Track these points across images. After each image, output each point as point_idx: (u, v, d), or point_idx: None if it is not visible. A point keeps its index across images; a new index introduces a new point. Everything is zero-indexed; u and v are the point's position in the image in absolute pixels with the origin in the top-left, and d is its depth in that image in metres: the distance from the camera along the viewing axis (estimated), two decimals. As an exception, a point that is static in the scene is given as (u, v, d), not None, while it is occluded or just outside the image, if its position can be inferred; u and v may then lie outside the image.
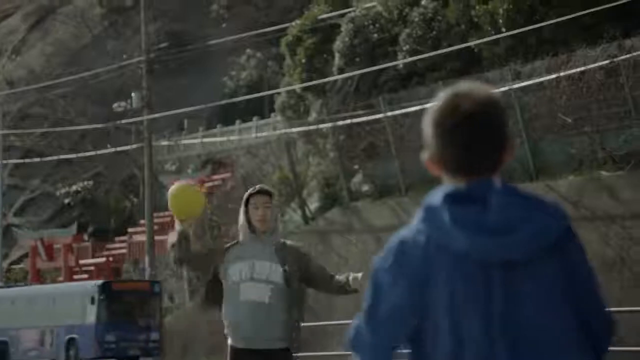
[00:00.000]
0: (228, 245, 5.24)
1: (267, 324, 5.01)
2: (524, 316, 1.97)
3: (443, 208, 2.02)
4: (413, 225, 2.05)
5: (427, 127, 2.09)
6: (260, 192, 5.19)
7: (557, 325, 2.00)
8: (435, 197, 2.07)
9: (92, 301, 22.06)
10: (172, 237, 5.11)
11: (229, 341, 5.11)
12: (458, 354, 1.98)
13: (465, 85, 2.12)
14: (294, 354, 5.05)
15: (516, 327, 1.97)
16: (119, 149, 28.28)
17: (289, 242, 5.38)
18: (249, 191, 5.22)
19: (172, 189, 5.05)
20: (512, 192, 2.06)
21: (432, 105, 2.12)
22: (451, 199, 2.02)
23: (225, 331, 5.12)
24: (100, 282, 23.19)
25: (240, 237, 5.18)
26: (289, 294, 5.06)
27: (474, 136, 2.02)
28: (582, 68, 15.20)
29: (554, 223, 2.05)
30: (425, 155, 2.11)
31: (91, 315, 22.01)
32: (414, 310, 2.01)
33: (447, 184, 2.08)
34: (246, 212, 5.15)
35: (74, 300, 22.45)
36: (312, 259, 5.29)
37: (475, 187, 2.04)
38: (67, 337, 22.31)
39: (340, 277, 5.18)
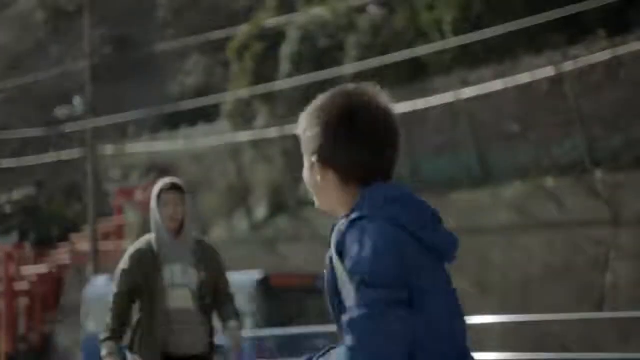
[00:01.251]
0: (138, 251, 4.79)
1: (191, 330, 4.77)
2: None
3: (391, 205, 1.90)
4: (366, 226, 1.85)
5: (318, 128, 1.89)
6: (170, 187, 4.80)
7: None
8: (374, 199, 1.90)
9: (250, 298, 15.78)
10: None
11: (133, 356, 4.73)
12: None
13: (353, 87, 1.97)
14: None
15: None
16: (61, 156, 27.80)
17: (204, 241, 5.02)
18: (159, 186, 4.80)
19: None
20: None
21: (326, 103, 1.91)
22: (391, 199, 1.90)
23: (132, 342, 4.74)
24: (257, 275, 16.18)
25: (155, 238, 4.79)
26: (205, 298, 4.80)
27: (389, 140, 1.91)
28: (528, 76, 15.32)
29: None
30: (313, 158, 1.91)
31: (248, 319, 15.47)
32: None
33: (378, 186, 1.91)
34: (159, 210, 4.77)
35: None
36: (223, 274, 4.96)
37: (396, 188, 1.94)
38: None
39: (230, 322, 4.88)
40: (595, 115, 14.81)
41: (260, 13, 23.31)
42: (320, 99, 1.93)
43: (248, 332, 12.25)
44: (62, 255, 29.81)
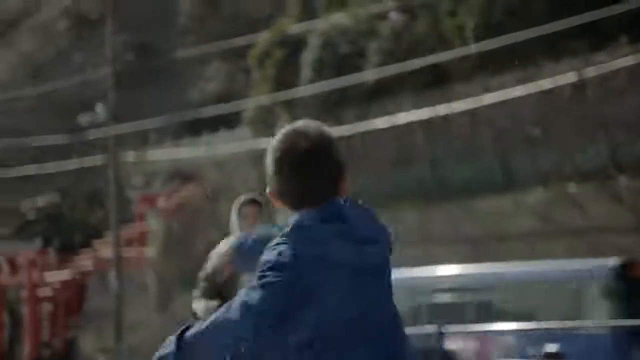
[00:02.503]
0: (223, 252, 5.06)
1: None
2: (377, 313, 2.25)
3: (315, 226, 2.21)
4: (288, 243, 2.20)
5: (268, 162, 2.29)
6: (250, 202, 5.17)
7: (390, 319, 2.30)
8: (304, 219, 2.23)
9: (604, 293, 11.84)
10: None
11: None
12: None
13: (301, 123, 2.31)
14: None
15: (372, 323, 2.24)
16: (84, 162, 27.99)
17: None
18: (240, 200, 5.18)
19: None
20: (356, 207, 2.30)
21: (272, 143, 2.30)
22: (319, 218, 2.22)
23: None
24: (616, 262, 11.93)
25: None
26: None
27: (312, 173, 2.23)
28: (550, 82, 15.26)
29: (390, 232, 2.36)
30: (268, 189, 2.30)
31: (600, 316, 11.74)
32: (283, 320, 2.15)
33: (305, 211, 2.24)
34: (238, 223, 5.12)
35: (564, 290, 11.92)
36: None
37: (330, 208, 2.24)
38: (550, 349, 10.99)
39: None
40: (618, 120, 14.73)
41: (281, 20, 23.37)
42: (275, 139, 2.32)
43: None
44: (85, 261, 29.98)
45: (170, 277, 23.43)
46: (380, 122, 17.76)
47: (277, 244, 2.20)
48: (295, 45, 20.82)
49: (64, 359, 28.08)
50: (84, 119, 26.53)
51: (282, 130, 2.30)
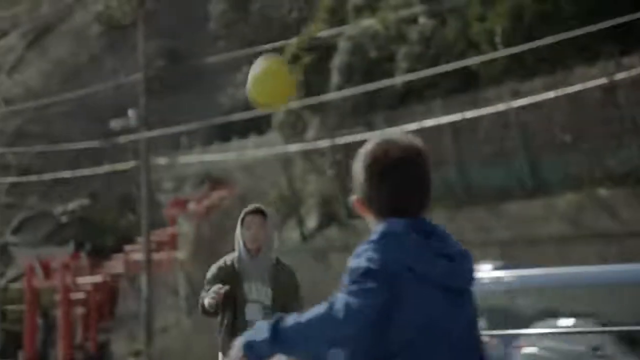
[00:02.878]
0: (224, 264, 5.25)
1: None
2: (463, 334, 2.24)
3: (405, 236, 2.19)
4: (377, 249, 2.20)
5: (358, 170, 2.28)
6: (253, 211, 5.20)
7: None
8: (395, 227, 2.22)
9: None
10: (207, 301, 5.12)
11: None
12: None
13: (392, 134, 2.31)
14: None
15: (458, 342, 2.23)
16: (116, 167, 28.24)
17: (286, 263, 5.37)
18: (244, 210, 5.26)
19: (262, 68, 3.84)
20: (442, 230, 2.29)
21: (363, 151, 2.31)
22: (410, 229, 2.21)
23: (221, 350, 5.13)
24: None
25: (237, 256, 5.22)
26: (275, 315, 5.07)
27: (403, 181, 2.22)
28: (580, 86, 15.20)
29: (472, 262, 2.35)
30: (354, 197, 2.31)
31: None
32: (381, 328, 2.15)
33: (395, 219, 2.23)
34: (241, 232, 5.20)
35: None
36: (297, 298, 5.26)
37: (421, 220, 2.24)
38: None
39: None
40: (650, 124, 14.63)
41: (310, 25, 23.47)
42: (366, 147, 2.32)
43: None
44: (116, 265, 30.24)
45: (200, 280, 23.55)
46: (410, 127, 17.77)
47: (365, 250, 2.19)
48: (324, 50, 20.90)
49: (96, 362, 28.32)
50: (115, 124, 26.78)
51: (374, 139, 2.30)
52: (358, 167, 2.27)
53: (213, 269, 5.29)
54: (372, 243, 2.21)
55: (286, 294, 5.17)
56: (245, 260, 5.15)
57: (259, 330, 2.22)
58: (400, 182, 2.22)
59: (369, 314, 2.12)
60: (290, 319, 2.20)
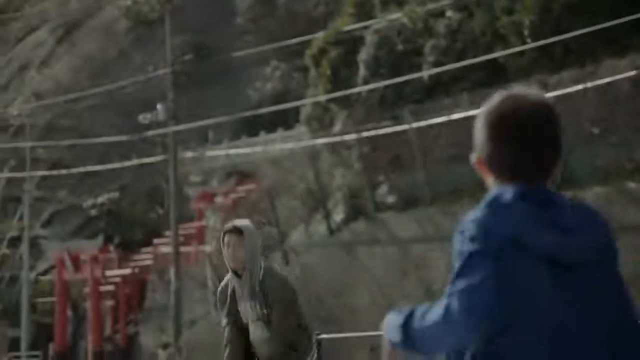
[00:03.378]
0: (224, 287, 5.21)
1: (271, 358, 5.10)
2: (584, 319, 2.00)
3: (517, 204, 1.99)
4: (483, 217, 1.98)
5: (481, 127, 2.08)
6: (230, 230, 5.05)
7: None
8: (505, 194, 2.01)
9: None
10: None
11: None
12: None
13: (519, 89, 2.09)
14: None
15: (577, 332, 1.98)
16: (144, 160, 28.44)
17: (274, 278, 5.17)
18: (223, 229, 5.15)
19: None
20: (567, 199, 2.06)
21: (487, 107, 2.10)
22: (522, 196, 2.00)
23: None
24: None
25: (228, 276, 5.20)
26: (271, 329, 5.07)
27: (532, 140, 2.02)
28: (609, 79, 15.11)
29: (609, 235, 2.09)
30: (474, 157, 2.11)
31: None
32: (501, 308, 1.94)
33: (507, 185, 2.03)
34: (223, 251, 5.13)
35: None
36: (279, 312, 5.10)
37: (539, 189, 2.02)
38: None
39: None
40: (679, 117, 14.52)
41: (337, 19, 23.48)
42: (491, 102, 2.10)
43: None
44: (145, 258, 30.49)
45: (227, 273, 23.66)
46: (437, 120, 17.76)
47: (470, 222, 1.97)
48: (351, 44, 20.91)
49: (125, 354, 28.60)
50: (144, 118, 26.96)
51: (499, 94, 2.07)
52: (480, 124, 2.07)
53: (218, 291, 5.31)
54: (477, 212, 1.98)
55: (273, 309, 5.07)
56: (233, 281, 5.11)
57: (392, 327, 2.06)
58: (527, 143, 2.00)
59: (484, 309, 1.91)
60: (416, 318, 2.01)
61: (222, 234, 5.06)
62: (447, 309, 1.94)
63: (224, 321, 5.16)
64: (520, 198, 2.00)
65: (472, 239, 1.96)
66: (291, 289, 5.11)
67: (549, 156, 2.06)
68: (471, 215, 2.00)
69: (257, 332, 5.03)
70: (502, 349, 1.95)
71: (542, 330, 1.95)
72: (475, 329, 1.94)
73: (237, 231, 5.01)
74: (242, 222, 5.13)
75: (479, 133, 2.09)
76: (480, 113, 2.10)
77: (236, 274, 5.06)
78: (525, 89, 2.09)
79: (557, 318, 1.96)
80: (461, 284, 1.94)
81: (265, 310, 4.99)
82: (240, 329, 5.12)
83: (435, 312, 1.98)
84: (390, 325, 2.06)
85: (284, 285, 5.12)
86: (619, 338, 2.02)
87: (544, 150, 2.05)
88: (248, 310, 5.05)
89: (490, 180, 2.08)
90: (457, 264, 1.97)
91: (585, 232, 2.02)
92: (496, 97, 2.09)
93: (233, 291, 5.10)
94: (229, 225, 5.07)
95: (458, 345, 1.97)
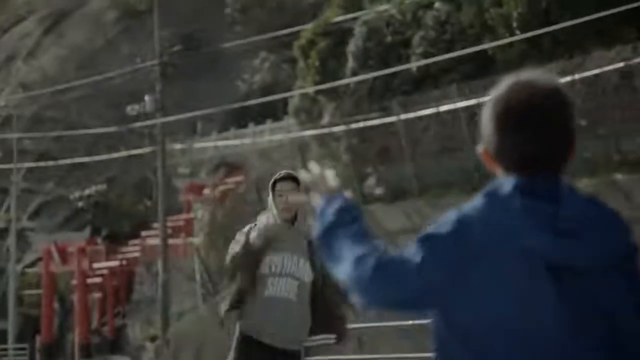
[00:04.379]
0: (256, 231, 4.71)
1: (290, 323, 4.68)
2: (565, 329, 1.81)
3: (513, 198, 1.85)
4: (475, 207, 1.86)
5: (487, 117, 1.95)
6: (285, 178, 4.73)
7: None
8: (504, 186, 1.89)
9: None
10: (236, 248, 4.68)
11: (239, 328, 4.73)
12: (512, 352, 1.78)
13: (528, 74, 1.96)
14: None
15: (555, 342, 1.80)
16: (132, 152, 28.33)
17: None
18: (275, 176, 4.78)
19: None
20: (580, 195, 1.92)
21: (494, 95, 1.98)
22: (521, 190, 1.86)
23: (239, 324, 4.73)
24: None
25: (269, 224, 4.73)
26: (316, 291, 4.70)
27: (541, 128, 1.87)
28: (597, 70, 15.10)
29: (624, 235, 1.88)
30: (481, 148, 1.98)
31: None
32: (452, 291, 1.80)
33: (513, 177, 1.88)
34: (273, 199, 4.73)
35: None
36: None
37: (544, 182, 1.88)
38: None
39: (335, 314, 4.77)
40: (667, 109, 14.53)
41: (326, 10, 23.41)
42: (499, 89, 1.98)
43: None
44: (132, 250, 30.41)
45: (215, 265, 23.66)
46: (425, 112, 17.73)
47: (471, 204, 1.86)
48: (340, 36, 20.85)
49: (113, 346, 28.53)
50: (132, 109, 26.84)
51: (506, 81, 1.95)
52: (487, 114, 1.93)
53: (238, 237, 4.75)
54: (475, 201, 1.87)
55: (324, 272, 4.58)
56: (279, 228, 4.67)
57: (329, 213, 1.92)
58: (535, 134, 1.85)
59: (433, 275, 1.79)
60: (346, 236, 1.89)
61: (273, 180, 4.70)
62: (377, 264, 1.83)
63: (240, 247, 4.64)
64: (519, 191, 1.86)
65: (457, 222, 1.83)
66: None
67: (560, 147, 1.90)
68: (474, 201, 1.88)
69: (284, 288, 4.64)
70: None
71: (512, 338, 1.78)
72: (372, 301, 1.83)
73: (293, 179, 4.70)
74: (293, 171, 4.82)
75: (485, 123, 1.95)
76: (487, 101, 1.98)
77: (283, 222, 4.68)
78: (535, 74, 1.96)
79: (530, 324, 1.77)
80: (407, 254, 1.82)
81: (317, 264, 4.60)
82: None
83: (368, 259, 1.85)
84: (327, 214, 1.93)
85: None
86: (623, 347, 1.83)
87: (554, 141, 1.89)
88: (286, 263, 4.66)
89: (499, 173, 1.95)
90: (427, 233, 1.84)
91: (593, 235, 1.83)
92: (504, 84, 1.97)
93: (267, 240, 4.66)
94: (282, 173, 4.75)
95: (364, 290, 1.84)
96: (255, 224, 4.77)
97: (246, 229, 4.79)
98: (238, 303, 4.75)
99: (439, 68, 18.01)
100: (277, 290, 4.69)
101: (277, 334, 4.69)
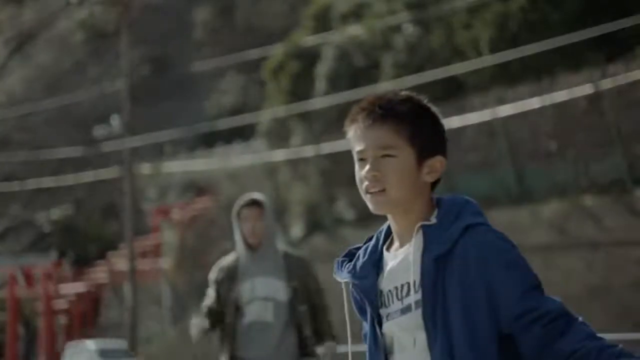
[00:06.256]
0: (224, 263, 4.86)
1: (269, 343, 4.71)
2: None
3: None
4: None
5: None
6: (249, 204, 4.80)
7: None
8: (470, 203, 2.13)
9: None
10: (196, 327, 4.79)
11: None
12: None
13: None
14: None
15: None
16: (99, 175, 28.08)
17: (293, 253, 5.00)
18: (238, 203, 4.84)
19: None
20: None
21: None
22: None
23: (223, 358, 4.77)
24: None
25: (237, 253, 4.83)
26: (295, 310, 4.77)
27: None
28: (565, 95, 15.20)
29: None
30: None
31: None
32: None
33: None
34: (239, 226, 4.80)
35: None
36: (315, 286, 4.90)
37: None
38: None
39: (325, 338, 4.85)
40: (635, 132, 14.64)
41: (295, 32, 23.42)
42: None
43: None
44: (100, 273, 30.05)
45: (184, 289, 23.43)
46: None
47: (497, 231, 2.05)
48: (310, 58, 20.86)
49: (78, 371, 28.10)
50: (99, 131, 26.63)
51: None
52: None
53: (214, 269, 4.90)
54: (490, 227, 2.19)
55: (306, 286, 4.78)
56: (245, 256, 4.76)
57: None
58: None
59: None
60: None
61: (238, 207, 4.77)
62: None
63: (212, 293, 4.77)
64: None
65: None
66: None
67: None
68: (494, 231, 2.00)
69: (259, 312, 4.70)
70: None
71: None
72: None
73: (257, 204, 4.76)
74: (258, 196, 4.90)
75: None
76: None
77: (250, 249, 4.75)
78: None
79: None
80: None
81: (292, 284, 4.72)
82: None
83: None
84: None
85: (307, 259, 4.97)
86: None
87: None
88: (257, 287, 4.71)
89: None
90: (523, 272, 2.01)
91: None
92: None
93: (237, 270, 4.75)
94: (246, 198, 4.81)
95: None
96: (225, 260, 4.88)
97: (221, 262, 4.89)
98: (214, 326, 4.81)
99: (409, 91, 18.05)
100: (253, 315, 4.73)
101: (259, 357, 4.72)
